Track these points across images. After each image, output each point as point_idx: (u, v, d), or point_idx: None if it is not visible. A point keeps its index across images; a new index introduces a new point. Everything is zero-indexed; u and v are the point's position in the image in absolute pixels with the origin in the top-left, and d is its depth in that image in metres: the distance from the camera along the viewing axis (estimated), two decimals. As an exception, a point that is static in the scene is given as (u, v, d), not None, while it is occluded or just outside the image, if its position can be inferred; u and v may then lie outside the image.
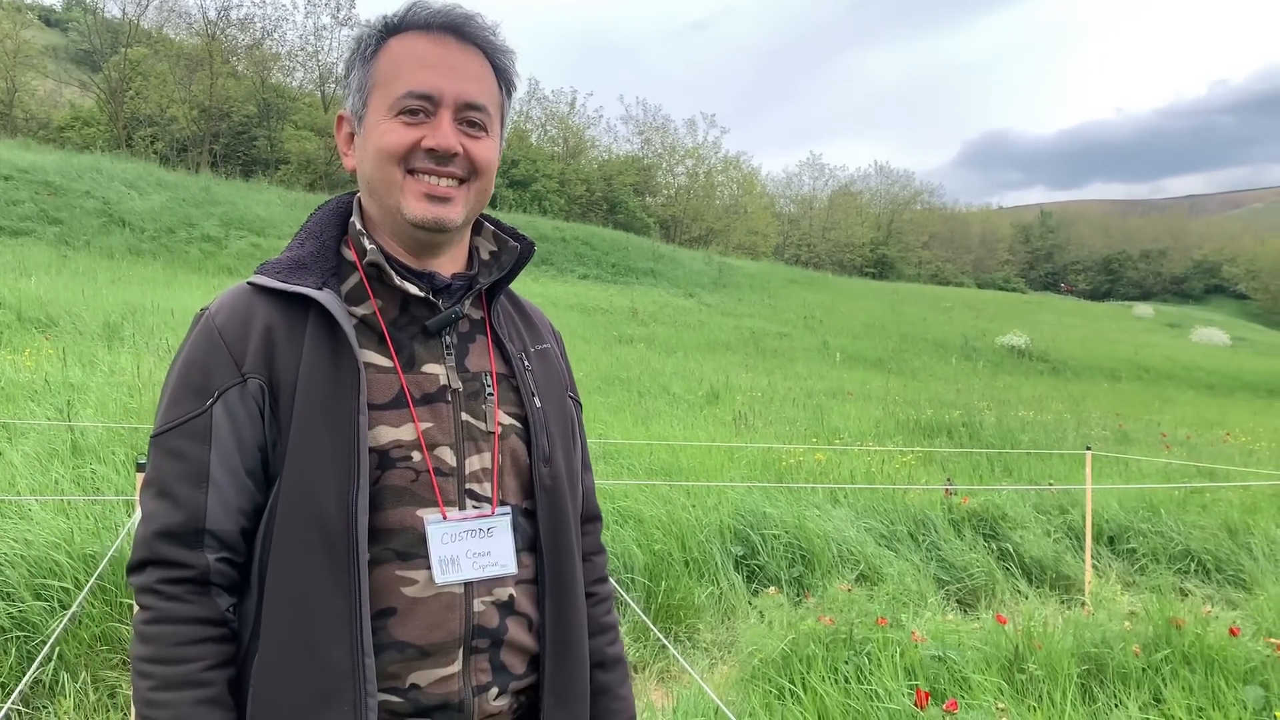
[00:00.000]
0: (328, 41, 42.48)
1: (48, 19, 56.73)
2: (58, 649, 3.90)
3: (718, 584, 5.74)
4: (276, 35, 42.67)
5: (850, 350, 24.39)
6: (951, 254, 77.74)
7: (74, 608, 3.92)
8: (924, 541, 6.76)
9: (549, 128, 54.41)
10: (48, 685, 3.81)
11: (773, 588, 5.33)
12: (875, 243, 70.73)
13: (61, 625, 3.79)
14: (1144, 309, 59.07)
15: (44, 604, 4.08)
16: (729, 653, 5.05)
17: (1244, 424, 17.39)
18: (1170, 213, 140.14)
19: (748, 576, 6.01)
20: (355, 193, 1.53)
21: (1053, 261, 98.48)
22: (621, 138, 60.33)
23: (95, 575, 3.98)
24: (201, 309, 1.42)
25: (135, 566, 1.32)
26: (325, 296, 1.36)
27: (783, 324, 28.87)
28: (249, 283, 1.40)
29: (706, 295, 32.99)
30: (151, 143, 37.23)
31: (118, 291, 13.72)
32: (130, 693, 1.36)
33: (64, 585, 4.12)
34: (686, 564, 5.77)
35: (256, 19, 41.92)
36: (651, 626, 4.55)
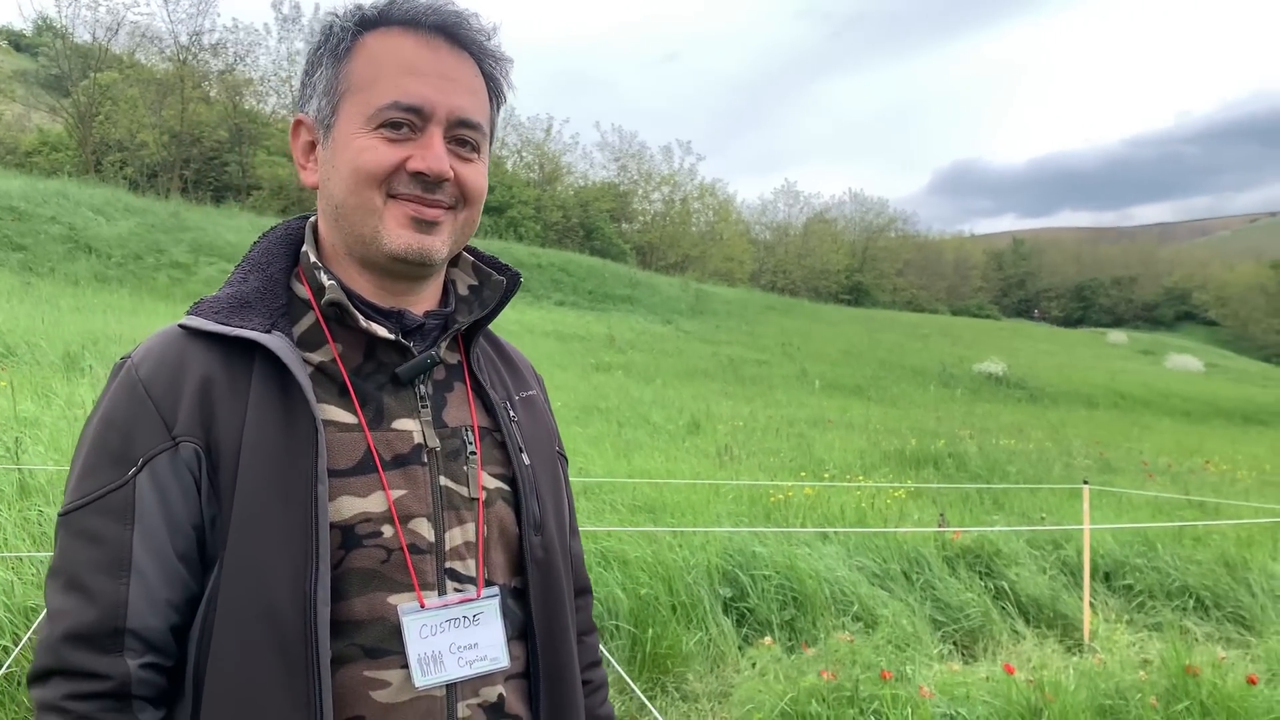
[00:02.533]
0: (301, 67, 42.27)
1: (17, 43, 56.10)
2: (-7, 712, 3.57)
3: (706, 629, 5.46)
4: (249, 60, 42.35)
5: (829, 378, 24.24)
6: (926, 281, 78.12)
7: (7, 664, 3.59)
8: (918, 581, 6.51)
9: (525, 154, 54.25)
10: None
11: (767, 637, 5.06)
12: (850, 269, 70.96)
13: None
14: (1118, 335, 59.49)
15: (-20, 662, 3.75)
16: (719, 704, 4.77)
17: (1223, 451, 17.40)
18: (1140, 240, 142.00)
19: (737, 620, 5.74)
20: (306, 216, 1.27)
21: (1026, 288, 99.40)
22: (598, 164, 60.20)
23: (32, 629, 3.67)
24: (122, 357, 1.15)
25: (38, 676, 1.05)
26: (274, 341, 1.10)
27: (761, 351, 28.72)
28: (181, 325, 1.13)
29: (684, 322, 32.85)
30: (121, 168, 36.68)
31: (80, 320, 13.32)
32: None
33: (2, 643, 3.79)
34: (673, 608, 5.48)
35: (229, 44, 41.45)
36: (635, 689, 4.27)
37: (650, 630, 5.17)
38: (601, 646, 4.86)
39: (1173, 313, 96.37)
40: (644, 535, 6.03)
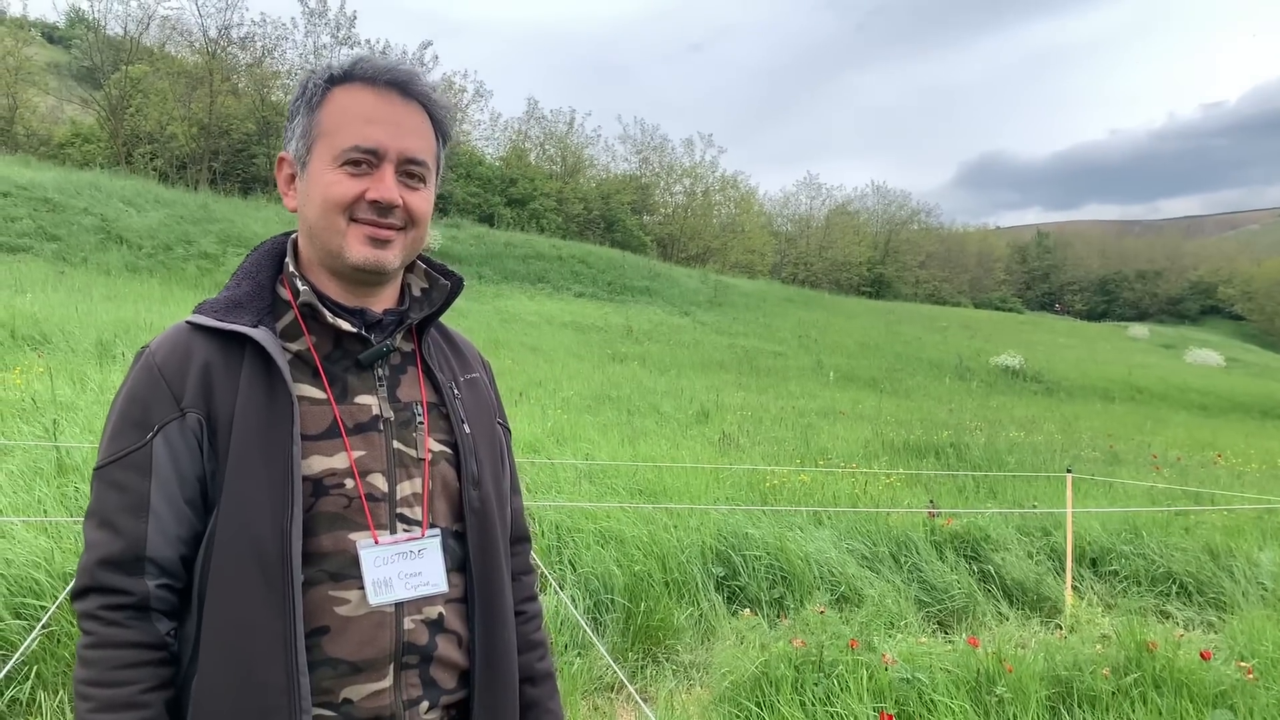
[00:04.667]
0: (327, 60, 42.63)
1: (50, 36, 56.99)
2: (35, 667, 3.93)
3: (698, 605, 5.77)
4: (276, 54, 42.92)
5: (844, 370, 24.43)
6: (948, 273, 77.78)
7: (44, 621, 3.95)
8: (906, 563, 6.78)
9: (547, 147, 54.52)
10: (24, 703, 3.84)
11: (749, 610, 5.36)
12: (872, 262, 70.85)
13: (34, 639, 3.82)
14: (1139, 329, 59.10)
15: (23, 623, 4.12)
16: (707, 674, 5.07)
17: (1236, 446, 17.41)
18: (1166, 234, 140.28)
19: (728, 597, 6.04)
20: (289, 233, 1.60)
21: (1049, 282, 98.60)
22: (619, 157, 60.15)
23: (66, 591, 4.02)
24: (142, 347, 1.48)
25: (78, 593, 1.40)
26: (260, 334, 1.43)
27: (778, 343, 28.93)
28: (188, 321, 1.47)
29: (702, 314, 33.06)
30: (151, 160, 37.34)
31: (112, 308, 13.77)
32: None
33: (43, 604, 4.16)
34: (667, 585, 5.80)
35: (257, 37, 42.07)
36: (615, 666, 4.58)
37: (643, 604, 5.48)
38: (590, 624, 5.18)
39: (1198, 307, 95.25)
40: (641, 516, 6.34)
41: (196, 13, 45.54)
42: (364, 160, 1.43)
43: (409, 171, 1.47)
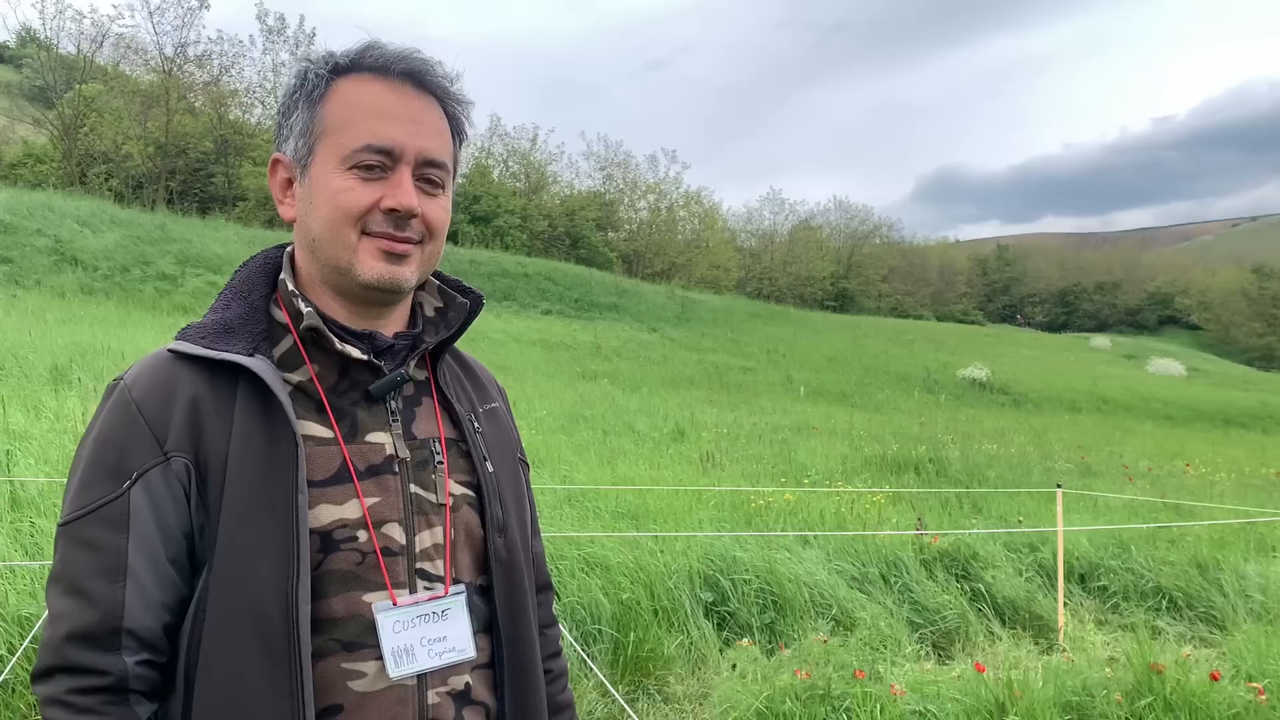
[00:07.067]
0: (286, 78, 42.11)
1: (0, 55, 55.97)
2: (-12, 720, 3.65)
3: (687, 633, 5.56)
4: (234, 71, 42.34)
5: (814, 384, 24.38)
6: (911, 287, 78.49)
7: (4, 674, 3.68)
8: (896, 584, 6.63)
9: (511, 163, 54.30)
10: (-23, 759, 3.56)
11: (746, 639, 5.17)
12: (836, 276, 71.30)
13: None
14: (1101, 340, 59.83)
15: (-26, 671, 3.83)
16: (700, 705, 4.87)
17: (1203, 455, 17.54)
18: (1123, 246, 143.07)
19: (718, 624, 5.84)
20: (284, 245, 1.39)
21: (1010, 294, 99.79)
22: (583, 173, 59.99)
23: (29, 639, 3.75)
24: (114, 379, 1.25)
25: (42, 674, 1.15)
26: (257, 364, 1.20)
27: (746, 358, 28.86)
28: (170, 350, 1.24)
29: (670, 330, 32.95)
30: (106, 180, 36.56)
31: (67, 332, 13.35)
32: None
33: (-3, 651, 3.88)
34: (655, 612, 5.59)
35: (214, 55, 41.51)
36: (616, 694, 4.37)
37: (632, 634, 5.26)
38: (583, 650, 4.97)
39: (1155, 317, 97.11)
40: (626, 541, 6.13)
41: (152, 30, 44.69)
42: (378, 163, 1.22)
43: (427, 176, 1.27)
